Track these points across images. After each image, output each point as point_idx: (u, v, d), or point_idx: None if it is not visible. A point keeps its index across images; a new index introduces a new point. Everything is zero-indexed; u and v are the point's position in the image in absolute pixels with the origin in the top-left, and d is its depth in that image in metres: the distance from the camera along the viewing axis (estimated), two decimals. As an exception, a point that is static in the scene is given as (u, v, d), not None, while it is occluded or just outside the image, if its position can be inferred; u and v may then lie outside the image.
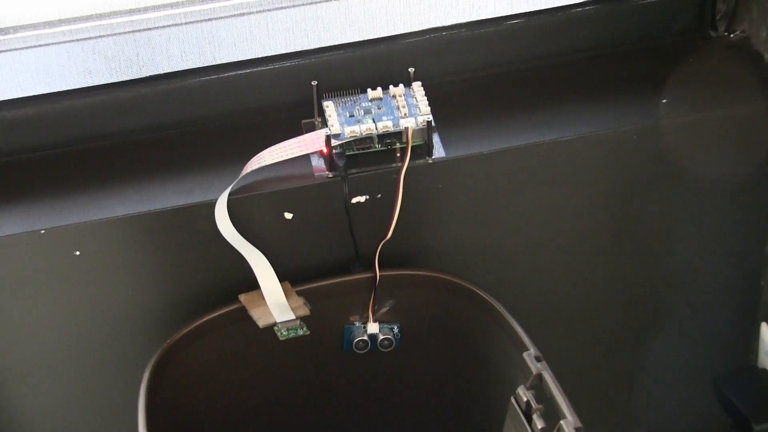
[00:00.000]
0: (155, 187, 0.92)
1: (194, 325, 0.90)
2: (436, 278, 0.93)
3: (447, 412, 1.01)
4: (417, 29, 0.98)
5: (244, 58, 0.96)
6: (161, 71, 0.95)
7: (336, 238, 0.94)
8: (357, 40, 0.97)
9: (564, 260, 1.03)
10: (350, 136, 0.90)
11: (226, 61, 0.96)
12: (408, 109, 0.91)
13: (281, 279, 0.91)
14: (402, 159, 0.90)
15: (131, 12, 0.92)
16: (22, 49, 0.91)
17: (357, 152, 0.91)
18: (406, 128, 0.90)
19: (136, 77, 0.95)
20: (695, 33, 1.03)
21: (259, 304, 0.90)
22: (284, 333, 0.91)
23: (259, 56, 0.96)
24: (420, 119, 0.90)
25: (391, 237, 0.90)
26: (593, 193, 0.99)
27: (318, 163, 0.92)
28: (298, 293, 0.91)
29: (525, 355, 0.83)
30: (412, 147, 0.90)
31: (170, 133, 0.98)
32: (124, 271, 0.94)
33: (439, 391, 1.01)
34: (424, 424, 1.03)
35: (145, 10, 0.92)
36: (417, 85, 0.93)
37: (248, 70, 0.97)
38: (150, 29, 0.93)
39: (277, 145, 0.91)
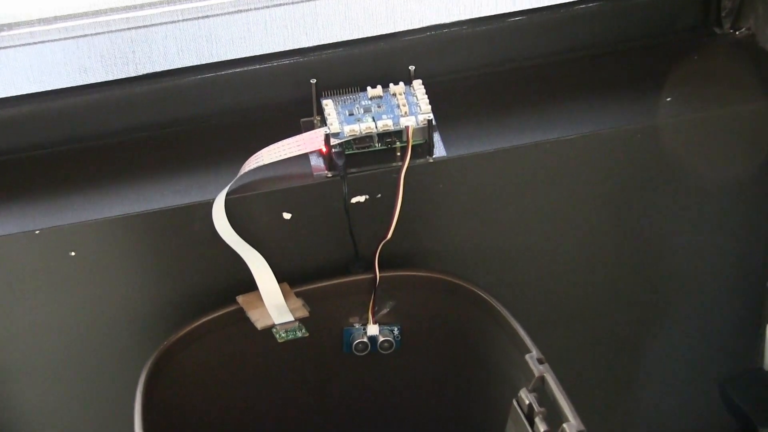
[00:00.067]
0: (152, 187, 0.92)
1: (191, 326, 0.90)
2: (436, 279, 0.93)
3: (447, 414, 1.01)
4: (417, 26, 0.98)
5: (242, 56, 0.96)
6: (158, 69, 0.95)
7: (335, 239, 0.94)
8: (357, 37, 0.97)
9: (565, 260, 1.03)
10: (350, 135, 0.90)
11: (224, 59, 0.96)
12: (408, 107, 0.91)
13: (280, 280, 0.91)
14: (402, 158, 0.90)
15: (127, 9, 0.92)
16: (16, 46, 0.91)
17: (356, 151, 0.91)
18: (407, 127, 0.90)
19: (133, 75, 0.95)
20: (700, 30, 1.03)
21: (258, 305, 0.90)
22: (283, 335, 0.91)
23: (258, 54, 0.96)
24: (420, 118, 0.90)
25: (391, 237, 0.90)
26: (595, 192, 0.99)
27: (317, 162, 0.92)
28: (297, 294, 0.91)
29: (527, 357, 0.83)
30: (412, 146, 0.90)
31: (167, 131, 0.97)
32: (120, 272, 0.94)
33: (439, 393, 1.01)
34: (425, 426, 1.03)
35: (142, 7, 0.92)
36: (417, 83, 0.92)
37: (246, 68, 0.97)
38: (146, 26, 0.93)
39: (275, 144, 0.90)
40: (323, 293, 0.92)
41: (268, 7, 0.94)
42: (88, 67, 0.93)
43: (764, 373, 1.07)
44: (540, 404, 0.80)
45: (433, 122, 0.91)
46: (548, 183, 0.97)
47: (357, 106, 0.91)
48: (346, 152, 0.90)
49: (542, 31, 1.00)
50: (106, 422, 1.02)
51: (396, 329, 0.95)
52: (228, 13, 0.94)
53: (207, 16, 0.93)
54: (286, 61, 0.97)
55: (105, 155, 0.95)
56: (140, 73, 0.95)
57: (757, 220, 1.04)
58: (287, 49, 0.96)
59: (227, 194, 0.89)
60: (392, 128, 0.90)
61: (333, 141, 0.89)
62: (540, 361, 0.82)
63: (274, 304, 0.90)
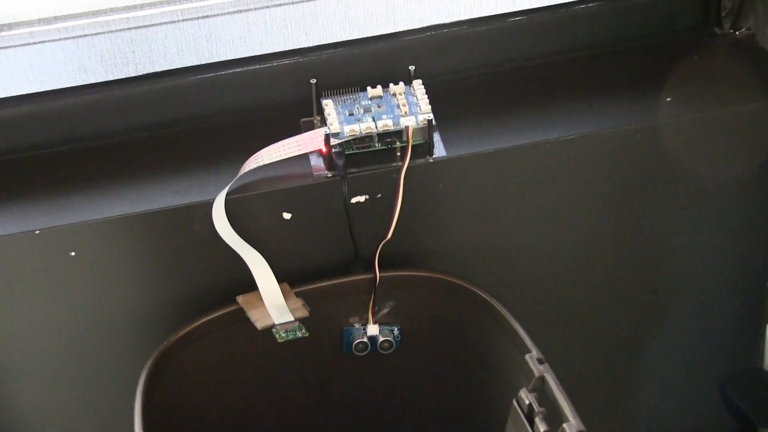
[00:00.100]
0: (151, 187, 0.92)
1: (191, 326, 0.90)
2: (436, 279, 0.93)
3: (447, 414, 1.01)
4: (417, 26, 0.98)
5: (242, 56, 0.96)
6: (158, 69, 0.95)
7: (335, 239, 0.94)
8: (357, 37, 0.97)
9: (565, 260, 1.03)
10: (350, 135, 0.89)
11: (224, 59, 0.96)
12: (408, 107, 0.90)
13: (280, 280, 0.91)
14: (402, 158, 0.90)
15: (127, 9, 0.92)
16: (16, 46, 0.91)
17: (356, 151, 0.91)
18: (407, 127, 0.90)
19: (133, 75, 0.95)
20: (700, 30, 1.03)
21: (257, 305, 0.90)
22: (283, 335, 0.91)
23: (258, 54, 0.96)
24: (420, 118, 0.90)
25: (391, 237, 0.90)
26: (595, 192, 0.99)
27: (317, 162, 0.92)
28: (297, 294, 0.91)
29: (527, 357, 0.83)
30: (412, 146, 0.90)
31: (167, 131, 0.97)
32: (120, 272, 0.93)
33: (439, 393, 1.00)
34: (425, 426, 1.03)
35: (142, 7, 0.92)
36: (417, 83, 0.92)
37: (246, 68, 0.97)
38: (146, 26, 0.93)
39: (275, 144, 0.90)
40: (323, 293, 0.92)
41: (268, 7, 0.94)
42: (88, 67, 0.93)
43: (764, 373, 1.07)
44: (540, 404, 0.80)
45: (433, 122, 0.90)
46: (548, 183, 0.97)
47: (357, 106, 0.91)
48: (346, 152, 0.90)
49: (542, 31, 1.00)
50: (106, 422, 1.02)
51: (396, 329, 0.95)
52: (228, 13, 0.93)
53: (207, 16, 0.93)
54: (286, 61, 0.97)
55: (105, 155, 0.95)
56: (140, 73, 0.95)
57: (757, 220, 1.04)
58: (287, 49, 0.96)
59: (227, 194, 0.89)
60: (392, 128, 0.90)
61: (333, 141, 0.89)
62: (540, 361, 0.82)
63: (274, 304, 0.90)
